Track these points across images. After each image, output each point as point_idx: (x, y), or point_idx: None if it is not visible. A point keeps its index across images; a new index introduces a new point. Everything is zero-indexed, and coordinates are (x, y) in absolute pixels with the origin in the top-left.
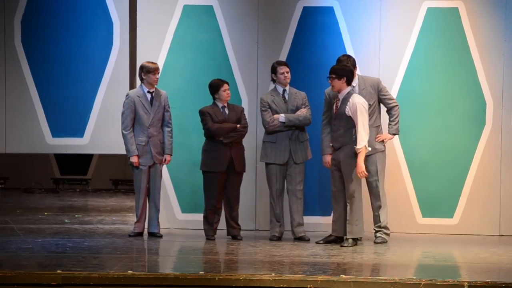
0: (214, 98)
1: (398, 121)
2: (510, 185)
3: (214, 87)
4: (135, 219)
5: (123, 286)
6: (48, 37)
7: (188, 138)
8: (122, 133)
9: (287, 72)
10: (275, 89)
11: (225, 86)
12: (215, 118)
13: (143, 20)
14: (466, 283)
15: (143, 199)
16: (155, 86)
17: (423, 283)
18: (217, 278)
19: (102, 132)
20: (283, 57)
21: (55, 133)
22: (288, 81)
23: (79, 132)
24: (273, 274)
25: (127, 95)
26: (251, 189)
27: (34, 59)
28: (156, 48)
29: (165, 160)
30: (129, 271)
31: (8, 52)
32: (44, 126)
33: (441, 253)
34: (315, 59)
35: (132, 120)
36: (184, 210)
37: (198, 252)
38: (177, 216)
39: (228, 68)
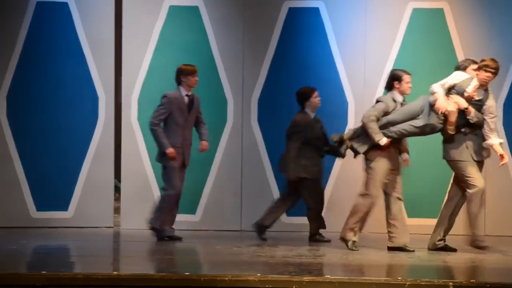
0: (304, 106)
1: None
2: (494, 186)
3: (305, 95)
4: (159, 222)
5: (108, 287)
6: (33, 111)
7: None
8: (152, 128)
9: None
10: (391, 96)
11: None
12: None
13: (128, 21)
14: (451, 283)
15: (176, 198)
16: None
17: (408, 283)
18: (202, 279)
19: (87, 206)
20: (268, 58)
21: (40, 206)
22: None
23: (64, 206)
24: (258, 274)
25: (165, 96)
26: (237, 190)
27: (19, 133)
28: (141, 49)
29: (202, 146)
30: (114, 272)
31: None
32: (28, 200)
33: (426, 253)
34: (301, 60)
35: (164, 119)
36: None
37: (183, 253)
38: None
39: (213, 69)
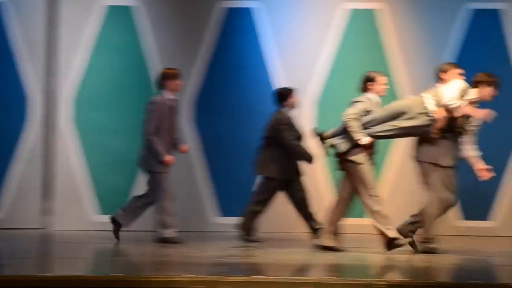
0: (282, 106)
1: None
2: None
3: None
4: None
5: None
6: None
7: (106, 140)
8: (148, 138)
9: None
10: (366, 97)
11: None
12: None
13: (64, 21)
14: (385, 282)
15: (173, 201)
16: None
17: (339, 282)
18: (132, 279)
19: (17, 207)
20: (204, 59)
21: None
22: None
23: None
24: (189, 275)
25: (153, 102)
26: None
27: None
28: (77, 49)
29: (184, 148)
30: (43, 273)
31: None
32: None
33: (362, 253)
34: (235, 61)
35: (157, 126)
36: (104, 211)
37: (115, 254)
38: (92, 218)
39: (149, 69)
